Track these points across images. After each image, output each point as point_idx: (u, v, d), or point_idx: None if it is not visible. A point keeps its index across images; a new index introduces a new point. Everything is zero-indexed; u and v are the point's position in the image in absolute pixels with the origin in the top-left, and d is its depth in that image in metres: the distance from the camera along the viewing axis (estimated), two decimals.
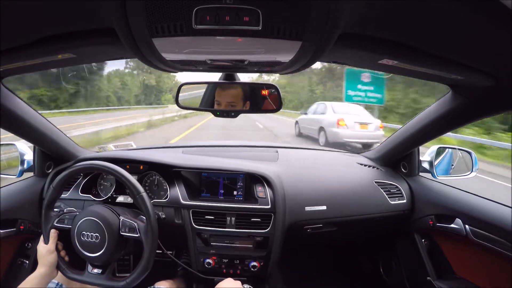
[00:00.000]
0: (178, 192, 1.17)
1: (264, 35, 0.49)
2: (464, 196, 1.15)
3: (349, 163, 1.44)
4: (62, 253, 1.00)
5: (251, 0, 0.44)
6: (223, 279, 0.97)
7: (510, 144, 6.23)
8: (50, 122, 1.14)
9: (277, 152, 1.46)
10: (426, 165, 1.31)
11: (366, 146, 6.97)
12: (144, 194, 0.95)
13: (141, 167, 1.23)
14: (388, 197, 1.27)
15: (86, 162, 0.99)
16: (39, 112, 1.08)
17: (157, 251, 0.96)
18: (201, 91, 0.98)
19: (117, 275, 1.28)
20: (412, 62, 0.66)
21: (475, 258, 1.10)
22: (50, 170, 1.26)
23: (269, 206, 1.14)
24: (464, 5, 0.42)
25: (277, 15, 0.47)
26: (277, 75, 0.82)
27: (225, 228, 1.13)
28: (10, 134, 1.03)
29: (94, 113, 17.63)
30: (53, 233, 0.96)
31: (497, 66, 0.63)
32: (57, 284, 0.99)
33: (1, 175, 1.26)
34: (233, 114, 0.91)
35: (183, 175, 1.22)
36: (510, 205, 1.00)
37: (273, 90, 0.93)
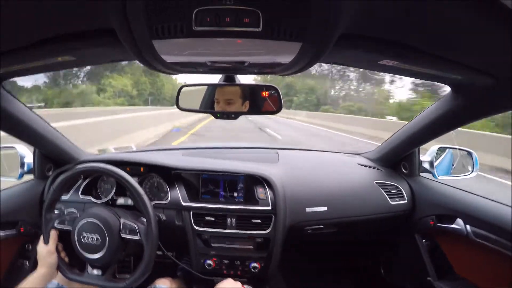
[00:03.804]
0: (178, 194, 1.17)
1: (264, 36, 0.49)
2: (465, 196, 1.15)
3: (350, 164, 1.44)
4: (62, 254, 1.00)
5: (251, 1, 0.44)
6: (223, 279, 0.97)
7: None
8: (49, 125, 1.14)
9: (277, 153, 1.46)
10: (426, 165, 1.31)
11: None
12: (145, 196, 0.95)
13: (142, 169, 1.23)
14: (389, 198, 1.27)
15: (88, 164, 0.99)
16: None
17: (158, 252, 0.96)
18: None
19: (117, 276, 1.28)
20: (412, 62, 0.66)
21: (476, 258, 1.10)
22: (50, 173, 1.26)
23: (269, 207, 1.13)
24: (464, 5, 0.42)
25: (277, 17, 0.47)
26: None
27: (225, 229, 1.13)
28: (10, 137, 1.03)
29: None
30: (53, 233, 0.96)
31: (497, 65, 0.63)
32: (58, 285, 0.99)
33: (1, 178, 1.26)
34: (233, 116, 0.90)
35: (183, 177, 1.21)
36: (511, 205, 1.00)
37: (273, 92, 0.93)
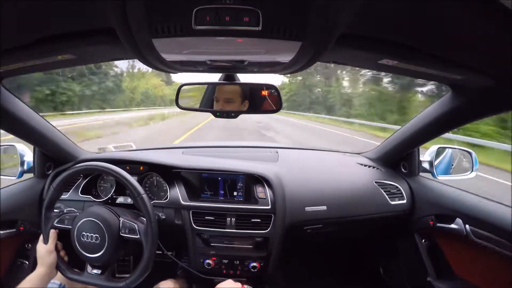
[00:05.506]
0: (178, 193, 1.17)
1: (264, 35, 0.49)
2: (464, 196, 1.15)
3: (349, 164, 1.44)
4: (62, 253, 1.00)
5: (251, 0, 0.44)
6: (223, 279, 0.97)
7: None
8: (50, 123, 1.14)
9: (277, 152, 1.46)
10: (426, 165, 1.31)
11: None
12: (145, 196, 0.95)
13: (141, 168, 1.23)
14: (388, 197, 1.27)
15: (87, 163, 0.99)
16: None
17: (157, 251, 0.96)
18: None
19: (117, 275, 1.28)
20: (412, 62, 0.66)
21: (475, 258, 1.10)
22: (50, 171, 1.26)
23: (269, 207, 1.13)
24: (463, 5, 0.43)
25: (277, 16, 0.47)
26: None
27: (225, 228, 1.13)
28: (10, 135, 1.03)
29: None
30: (52, 233, 0.96)
31: (497, 66, 0.63)
32: (59, 285, 0.99)
33: (1, 176, 1.26)
34: (232, 114, 0.91)
35: (183, 176, 1.21)
36: (510, 205, 1.00)
37: (273, 91, 0.92)
